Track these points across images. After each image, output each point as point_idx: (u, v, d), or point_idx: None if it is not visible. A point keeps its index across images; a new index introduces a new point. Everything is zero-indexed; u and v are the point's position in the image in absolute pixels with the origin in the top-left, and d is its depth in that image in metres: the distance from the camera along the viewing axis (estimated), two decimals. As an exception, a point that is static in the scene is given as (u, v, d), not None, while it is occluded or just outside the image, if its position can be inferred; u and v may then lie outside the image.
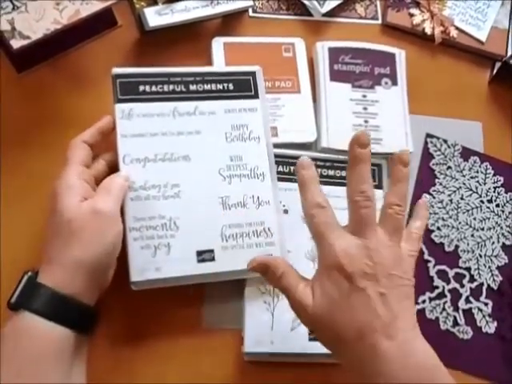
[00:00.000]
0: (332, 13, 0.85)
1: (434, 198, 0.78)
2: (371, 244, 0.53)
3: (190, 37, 0.78)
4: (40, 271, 0.55)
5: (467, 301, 0.74)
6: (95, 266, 0.56)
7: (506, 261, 0.77)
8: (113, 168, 0.64)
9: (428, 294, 0.73)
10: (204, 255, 0.63)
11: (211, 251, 0.64)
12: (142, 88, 0.66)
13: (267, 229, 0.66)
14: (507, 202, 0.80)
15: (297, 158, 0.71)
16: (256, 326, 0.66)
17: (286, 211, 0.70)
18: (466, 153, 0.82)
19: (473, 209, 0.79)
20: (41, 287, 0.54)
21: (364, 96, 0.78)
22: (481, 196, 0.80)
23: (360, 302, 0.52)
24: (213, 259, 0.64)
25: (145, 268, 0.61)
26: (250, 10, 0.82)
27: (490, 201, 0.80)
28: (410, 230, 0.58)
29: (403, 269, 0.54)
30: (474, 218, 0.78)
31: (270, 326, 0.66)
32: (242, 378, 0.66)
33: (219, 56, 0.76)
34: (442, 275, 0.75)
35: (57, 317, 0.53)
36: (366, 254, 0.53)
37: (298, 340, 0.65)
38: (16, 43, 0.65)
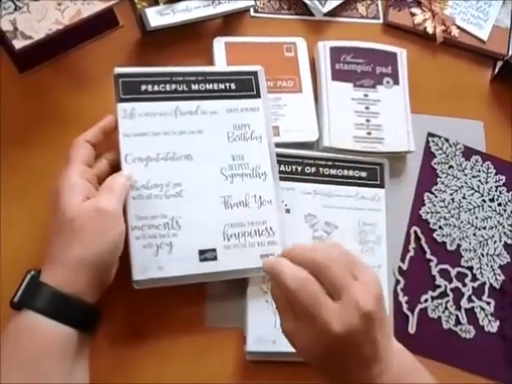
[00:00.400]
0: (333, 12, 0.85)
1: (435, 197, 0.78)
2: (354, 297, 0.51)
3: (192, 37, 0.78)
4: (42, 270, 0.56)
5: (469, 300, 0.74)
6: (97, 265, 0.56)
7: (508, 260, 0.77)
8: (115, 167, 0.64)
9: (430, 293, 0.73)
10: (206, 254, 0.64)
11: (213, 250, 0.64)
12: (144, 87, 0.66)
13: (269, 228, 0.66)
14: (509, 201, 0.80)
15: (299, 157, 0.72)
16: (258, 325, 0.66)
17: (288, 210, 0.70)
18: (468, 152, 0.82)
19: (475, 208, 0.79)
20: (43, 286, 0.54)
21: (366, 95, 0.78)
22: (483, 195, 0.80)
23: (353, 356, 0.52)
24: (215, 258, 0.64)
25: (147, 267, 0.61)
26: (252, 10, 0.82)
27: (491, 200, 0.80)
28: None
29: (376, 298, 0.53)
30: (476, 217, 0.78)
31: (273, 325, 0.66)
32: (244, 377, 0.66)
33: (221, 56, 0.76)
34: (444, 274, 0.75)
35: (59, 316, 0.53)
36: (359, 320, 0.51)
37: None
38: (18, 43, 0.65)
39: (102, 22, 0.75)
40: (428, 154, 0.81)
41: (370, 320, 0.51)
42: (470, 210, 0.78)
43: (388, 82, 0.80)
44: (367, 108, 0.77)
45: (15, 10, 0.66)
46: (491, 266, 0.77)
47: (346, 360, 0.52)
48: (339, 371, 0.54)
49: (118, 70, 0.66)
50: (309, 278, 0.52)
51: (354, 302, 0.51)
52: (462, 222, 0.78)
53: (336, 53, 0.79)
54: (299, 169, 0.72)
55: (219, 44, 0.77)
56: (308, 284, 0.51)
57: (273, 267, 0.54)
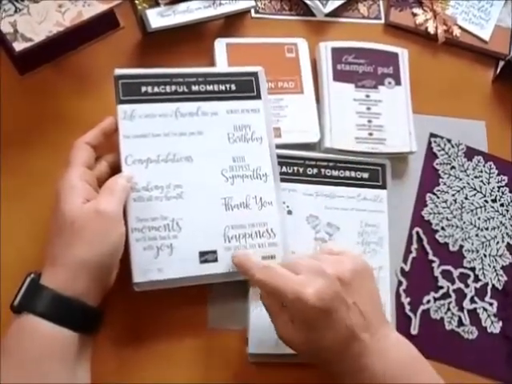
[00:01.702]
0: (335, 13, 0.85)
1: (438, 197, 0.78)
2: (320, 267, 0.56)
3: (193, 38, 0.78)
4: (43, 273, 0.55)
5: (472, 301, 0.74)
6: (98, 267, 0.56)
7: (511, 260, 0.77)
8: (115, 169, 0.64)
9: (433, 294, 0.73)
10: (207, 256, 0.63)
11: (214, 252, 0.64)
12: (144, 89, 0.66)
13: (270, 230, 0.66)
14: (511, 201, 0.80)
15: (301, 158, 0.72)
16: (260, 327, 0.66)
17: (289, 212, 0.70)
18: (470, 152, 0.82)
19: (477, 208, 0.79)
20: (43, 289, 0.54)
21: (367, 96, 0.78)
22: (485, 195, 0.80)
23: (337, 325, 0.54)
24: (215, 260, 0.64)
25: (147, 269, 0.61)
26: (253, 11, 0.82)
27: (494, 200, 0.80)
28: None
29: (350, 268, 0.57)
30: (479, 218, 0.78)
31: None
32: (246, 379, 0.66)
33: (222, 57, 0.76)
34: (447, 275, 0.75)
35: (60, 319, 0.53)
36: (329, 283, 0.55)
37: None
38: (18, 46, 0.65)
39: (103, 24, 0.74)
40: (430, 155, 0.80)
41: (340, 283, 0.55)
42: (472, 210, 0.78)
43: (390, 83, 0.79)
44: (369, 109, 0.77)
45: (15, 12, 0.66)
46: (494, 267, 0.76)
47: (331, 332, 0.55)
48: (330, 352, 0.56)
49: (118, 71, 0.66)
50: (274, 265, 0.58)
51: (318, 270, 0.55)
52: (464, 222, 0.77)
53: (337, 53, 0.79)
54: (301, 170, 0.72)
55: (220, 45, 0.77)
56: (273, 268, 0.57)
57: (241, 265, 0.61)
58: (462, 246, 0.76)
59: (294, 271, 0.57)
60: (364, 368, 0.55)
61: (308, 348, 0.57)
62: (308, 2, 0.84)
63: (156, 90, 0.66)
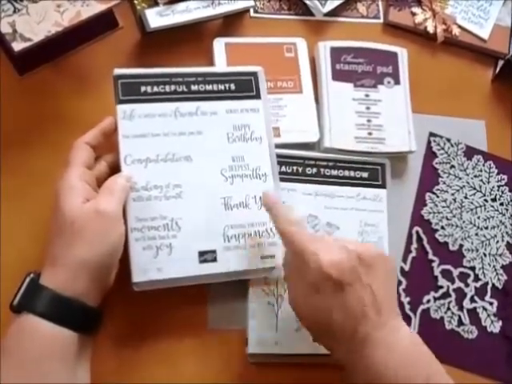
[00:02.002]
0: (334, 12, 0.85)
1: (437, 197, 0.78)
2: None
3: (192, 37, 0.78)
4: (42, 273, 0.55)
5: (472, 300, 0.74)
6: (98, 267, 0.56)
7: (511, 259, 0.77)
8: (114, 169, 0.64)
9: (432, 294, 0.73)
10: (206, 256, 0.63)
11: (213, 252, 0.64)
12: (143, 89, 0.66)
13: (269, 229, 0.66)
14: (511, 200, 0.80)
15: (300, 158, 0.72)
16: (260, 327, 0.66)
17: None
18: (470, 151, 0.82)
19: (477, 208, 0.79)
20: (43, 289, 0.54)
21: (367, 95, 0.78)
22: (485, 195, 0.80)
23: (350, 302, 0.54)
24: (215, 260, 0.64)
25: (146, 268, 0.61)
26: (252, 11, 0.82)
27: (493, 199, 0.80)
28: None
29: (373, 251, 0.57)
30: (478, 217, 0.78)
31: (275, 327, 0.66)
32: (245, 379, 0.66)
33: (221, 56, 0.76)
34: (447, 275, 0.75)
35: (60, 319, 0.53)
36: (348, 257, 0.55)
37: (302, 341, 0.64)
38: (17, 46, 0.64)
39: (102, 24, 0.74)
40: (429, 154, 0.80)
41: (359, 261, 0.55)
42: (471, 209, 0.78)
43: (389, 82, 0.79)
44: (368, 108, 0.77)
45: (14, 12, 0.66)
46: (494, 266, 0.76)
47: (342, 307, 0.54)
48: (337, 329, 0.54)
49: (118, 71, 0.66)
50: (298, 222, 0.60)
51: (340, 244, 0.56)
52: (464, 221, 0.77)
53: (336, 53, 0.79)
54: (300, 170, 0.72)
55: (219, 45, 0.77)
56: (301, 227, 0.59)
57: (271, 209, 0.62)
58: (461, 246, 0.76)
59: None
60: (367, 357, 0.53)
61: (316, 321, 0.56)
62: (307, 2, 0.84)
63: (155, 89, 0.66)
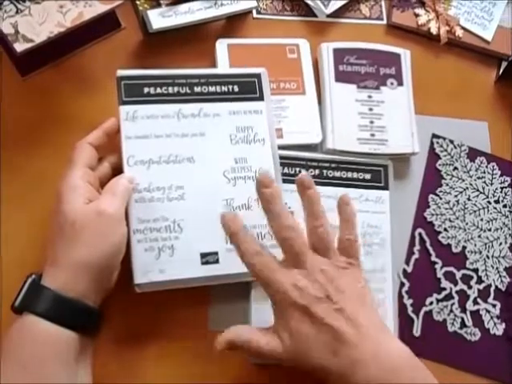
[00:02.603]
0: (336, 13, 0.85)
1: (440, 198, 0.78)
2: (311, 268, 0.57)
3: (194, 38, 0.78)
4: (44, 273, 0.55)
5: (475, 302, 0.74)
6: (99, 268, 0.55)
7: (514, 261, 0.77)
8: (116, 170, 0.64)
9: (435, 296, 0.73)
10: (208, 257, 0.63)
11: (215, 253, 0.64)
12: (146, 90, 0.66)
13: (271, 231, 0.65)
14: (514, 202, 0.80)
15: (302, 159, 0.71)
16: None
17: (291, 213, 0.69)
18: (473, 153, 0.81)
19: (480, 209, 0.78)
20: (44, 290, 0.54)
21: (369, 97, 0.78)
22: (488, 196, 0.79)
23: (324, 328, 0.55)
24: (217, 261, 0.63)
25: (148, 270, 0.61)
26: (254, 11, 0.82)
27: (497, 201, 0.79)
28: (341, 239, 0.62)
29: (349, 278, 0.58)
30: (481, 219, 0.78)
31: (276, 329, 0.66)
32: (247, 381, 0.66)
33: (223, 57, 0.76)
34: (450, 277, 0.74)
35: (61, 319, 0.53)
36: (311, 280, 0.56)
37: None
38: (19, 46, 0.64)
39: (104, 25, 0.74)
40: (432, 156, 0.80)
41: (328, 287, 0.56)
42: (475, 211, 0.78)
43: (392, 83, 0.79)
44: (371, 109, 0.77)
45: (16, 12, 0.66)
46: (497, 268, 0.76)
47: (322, 334, 0.55)
48: (322, 349, 0.55)
49: (121, 72, 0.66)
50: (261, 252, 0.58)
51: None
52: (467, 223, 0.77)
53: (339, 54, 0.79)
54: (303, 171, 0.71)
55: (222, 46, 0.76)
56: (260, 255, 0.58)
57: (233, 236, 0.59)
58: (464, 248, 0.76)
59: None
60: (359, 378, 0.54)
61: (295, 356, 0.57)
62: (310, 3, 0.84)
63: (158, 90, 0.66)
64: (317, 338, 0.55)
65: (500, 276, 0.76)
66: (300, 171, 0.71)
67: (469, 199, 0.78)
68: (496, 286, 0.75)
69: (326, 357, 0.55)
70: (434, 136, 0.81)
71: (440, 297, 0.73)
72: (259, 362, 0.65)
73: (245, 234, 0.59)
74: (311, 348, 0.55)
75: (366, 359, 0.54)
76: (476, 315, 0.74)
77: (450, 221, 0.77)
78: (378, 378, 0.53)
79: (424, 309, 0.72)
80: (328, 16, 0.85)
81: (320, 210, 0.61)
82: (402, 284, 0.73)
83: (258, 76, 0.71)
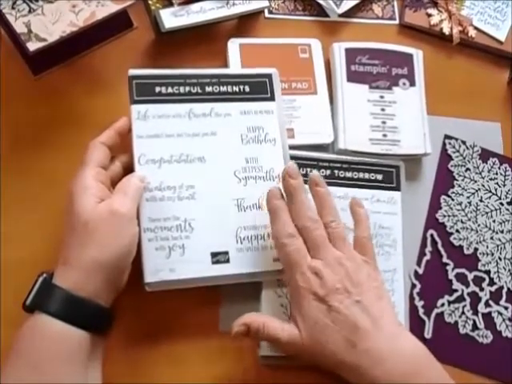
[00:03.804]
0: (349, 13, 0.85)
1: (452, 200, 0.77)
2: (331, 260, 0.58)
3: (206, 38, 0.78)
4: (55, 272, 0.55)
5: (487, 304, 0.73)
6: (111, 267, 0.56)
7: (527, 264, 0.76)
8: (128, 169, 0.64)
9: (447, 298, 0.73)
10: (218, 257, 0.63)
11: (226, 253, 0.63)
12: (158, 89, 0.66)
13: None
14: (527, 204, 0.79)
15: (314, 159, 0.71)
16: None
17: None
18: (485, 154, 0.81)
19: (492, 211, 0.78)
20: (56, 289, 0.54)
21: (381, 97, 0.77)
22: (500, 198, 0.79)
23: (341, 318, 0.56)
24: (227, 261, 0.63)
25: (159, 269, 0.61)
26: (266, 11, 0.82)
27: (509, 203, 0.79)
28: (356, 237, 0.63)
29: (365, 274, 0.59)
30: (494, 221, 0.77)
31: (287, 329, 0.65)
32: (257, 382, 0.65)
33: (235, 57, 0.76)
34: (461, 278, 0.74)
35: (72, 318, 0.53)
36: (331, 272, 0.57)
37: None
38: (32, 46, 0.65)
39: (116, 24, 0.74)
40: (444, 157, 0.80)
41: (348, 280, 0.57)
42: (487, 213, 0.77)
43: (404, 84, 0.79)
44: (383, 110, 0.77)
45: (29, 12, 0.66)
46: (509, 270, 0.75)
47: (336, 329, 0.56)
48: (338, 339, 0.56)
49: (133, 71, 0.66)
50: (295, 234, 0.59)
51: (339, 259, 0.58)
52: (479, 225, 0.77)
53: (351, 54, 0.79)
54: (314, 171, 0.71)
55: (234, 45, 0.76)
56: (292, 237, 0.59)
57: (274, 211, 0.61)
58: (476, 249, 0.75)
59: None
60: (372, 368, 0.55)
61: (313, 344, 0.57)
62: (321, 3, 0.84)
63: (170, 90, 0.66)
64: (333, 329, 0.56)
65: (512, 278, 0.75)
66: (311, 171, 0.71)
67: (481, 200, 0.78)
68: (508, 288, 0.75)
69: (341, 347, 0.56)
70: (447, 137, 0.81)
71: (451, 299, 0.73)
72: (269, 362, 0.65)
73: (286, 214, 0.61)
74: (327, 338, 0.56)
75: (382, 353, 0.55)
76: (488, 317, 0.73)
77: (462, 222, 0.76)
78: (393, 373, 0.54)
79: (435, 310, 0.72)
80: (340, 16, 0.84)
81: (331, 206, 0.62)
82: (414, 285, 0.72)
83: (269, 76, 0.71)
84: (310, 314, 0.57)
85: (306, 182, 0.69)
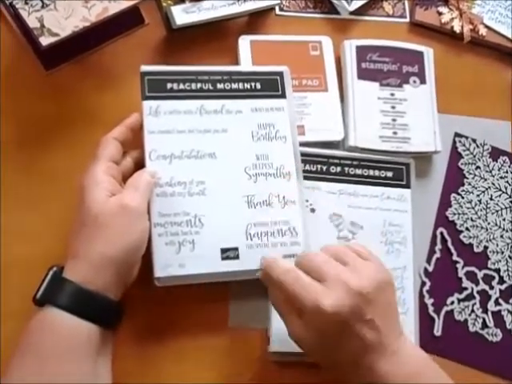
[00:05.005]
0: (359, 11, 0.85)
1: (462, 198, 0.77)
2: (344, 279, 0.55)
3: (217, 35, 0.78)
4: (65, 266, 0.56)
5: (496, 303, 0.73)
6: (121, 261, 0.56)
7: (536, 262, 0.76)
8: (139, 165, 0.64)
9: (456, 296, 0.73)
10: (228, 253, 0.63)
11: (235, 249, 0.64)
12: (169, 86, 0.66)
13: (292, 228, 0.65)
14: (537, 202, 0.79)
15: (324, 156, 0.71)
16: (282, 326, 0.65)
17: (312, 210, 0.69)
18: (495, 152, 0.81)
19: (502, 209, 0.78)
20: (66, 283, 0.54)
21: (392, 94, 0.77)
22: (510, 196, 0.79)
23: (352, 339, 0.54)
24: (237, 257, 0.63)
25: (169, 264, 0.61)
26: (277, 8, 0.82)
27: (519, 201, 0.79)
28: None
29: (373, 281, 0.56)
30: (504, 219, 0.77)
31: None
32: (266, 378, 0.66)
33: (246, 54, 0.76)
34: (471, 276, 0.74)
35: (82, 312, 0.53)
36: (350, 297, 0.54)
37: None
38: (45, 40, 0.65)
39: (128, 20, 0.75)
40: (455, 155, 0.80)
41: (360, 298, 0.54)
42: (497, 211, 0.77)
43: (415, 82, 0.79)
44: (393, 107, 0.77)
45: (42, 7, 0.66)
46: (519, 269, 0.76)
47: (346, 344, 0.54)
48: (343, 361, 0.56)
49: (145, 67, 0.67)
50: (297, 270, 0.57)
51: (341, 281, 0.54)
52: (489, 223, 0.76)
53: (362, 51, 0.79)
54: (324, 168, 0.71)
55: (244, 42, 0.76)
56: (295, 272, 0.56)
57: (267, 264, 0.60)
58: (486, 247, 0.75)
59: (318, 275, 0.56)
60: (377, 379, 0.55)
61: (320, 354, 0.58)
62: (332, 1, 0.84)
63: (181, 86, 0.67)
64: (341, 345, 0.55)
65: (522, 277, 0.75)
66: (322, 168, 0.71)
67: (491, 199, 0.78)
68: (518, 287, 0.75)
69: (345, 363, 0.55)
70: (457, 135, 0.81)
71: (461, 297, 0.73)
72: (279, 359, 0.65)
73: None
74: (336, 347, 0.55)
75: (385, 370, 0.54)
76: (498, 316, 0.73)
77: (472, 220, 0.76)
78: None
79: (445, 308, 0.72)
80: (351, 13, 0.84)
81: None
82: (423, 283, 0.72)
83: (281, 74, 0.71)
84: (321, 331, 0.55)
85: (314, 178, 0.70)
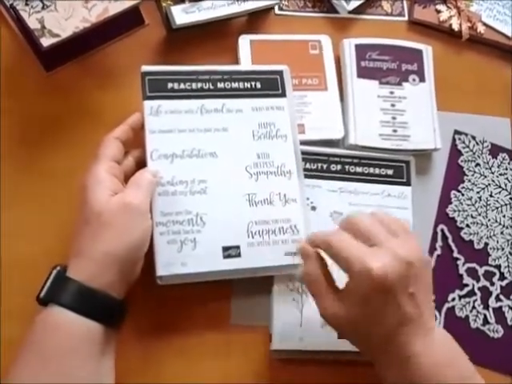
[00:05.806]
0: (358, 10, 0.85)
1: (462, 195, 0.77)
2: (392, 247, 0.54)
3: (217, 34, 0.78)
4: (69, 265, 0.56)
5: (497, 299, 0.74)
6: (124, 260, 0.56)
7: (537, 258, 0.77)
8: (140, 165, 0.64)
9: (457, 292, 0.73)
10: (230, 251, 0.63)
11: (237, 247, 0.64)
12: (170, 85, 0.67)
13: (293, 226, 0.66)
14: (537, 199, 0.79)
15: (325, 155, 0.71)
16: (284, 323, 0.66)
17: (313, 208, 0.70)
18: (495, 149, 0.81)
19: (502, 206, 0.78)
20: (69, 281, 0.54)
21: (391, 92, 0.77)
22: (510, 193, 0.79)
23: (392, 309, 0.53)
24: (239, 255, 0.64)
25: (171, 263, 0.62)
26: (276, 8, 0.82)
27: (519, 198, 0.79)
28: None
29: (420, 256, 0.56)
30: (504, 216, 0.77)
31: (299, 323, 0.66)
32: (269, 376, 0.66)
33: (246, 53, 0.76)
34: (472, 273, 0.74)
35: (86, 311, 0.54)
36: (399, 265, 0.53)
37: (327, 337, 0.64)
38: (46, 41, 0.65)
39: (128, 20, 0.75)
40: (454, 152, 0.80)
41: (408, 268, 0.53)
42: (497, 208, 0.78)
43: (414, 80, 0.79)
44: (393, 105, 0.77)
45: (43, 8, 0.66)
46: (519, 265, 0.76)
47: (384, 315, 0.53)
48: (377, 336, 0.55)
49: (145, 67, 0.67)
50: (341, 231, 0.57)
51: (391, 248, 0.54)
52: (489, 220, 0.77)
53: (361, 50, 0.79)
54: (325, 166, 0.72)
55: (244, 42, 0.77)
56: (340, 233, 0.57)
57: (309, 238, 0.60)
58: (487, 244, 0.76)
59: (367, 239, 0.55)
60: (409, 358, 0.54)
61: (355, 328, 0.56)
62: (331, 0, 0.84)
63: (182, 86, 0.67)
64: (380, 316, 0.54)
65: (523, 273, 0.75)
66: (322, 167, 0.71)
67: (491, 195, 0.78)
68: (519, 283, 0.75)
69: (381, 337, 0.54)
70: (456, 132, 0.81)
71: (462, 293, 0.73)
72: (281, 356, 0.65)
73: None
74: (369, 325, 0.54)
75: (419, 351, 0.54)
76: (499, 312, 0.73)
77: (472, 217, 0.76)
78: (430, 370, 0.54)
79: (446, 305, 0.72)
80: (350, 12, 0.84)
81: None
82: (424, 280, 0.72)
83: (281, 73, 0.71)
84: (363, 301, 0.54)
85: (315, 176, 0.70)
